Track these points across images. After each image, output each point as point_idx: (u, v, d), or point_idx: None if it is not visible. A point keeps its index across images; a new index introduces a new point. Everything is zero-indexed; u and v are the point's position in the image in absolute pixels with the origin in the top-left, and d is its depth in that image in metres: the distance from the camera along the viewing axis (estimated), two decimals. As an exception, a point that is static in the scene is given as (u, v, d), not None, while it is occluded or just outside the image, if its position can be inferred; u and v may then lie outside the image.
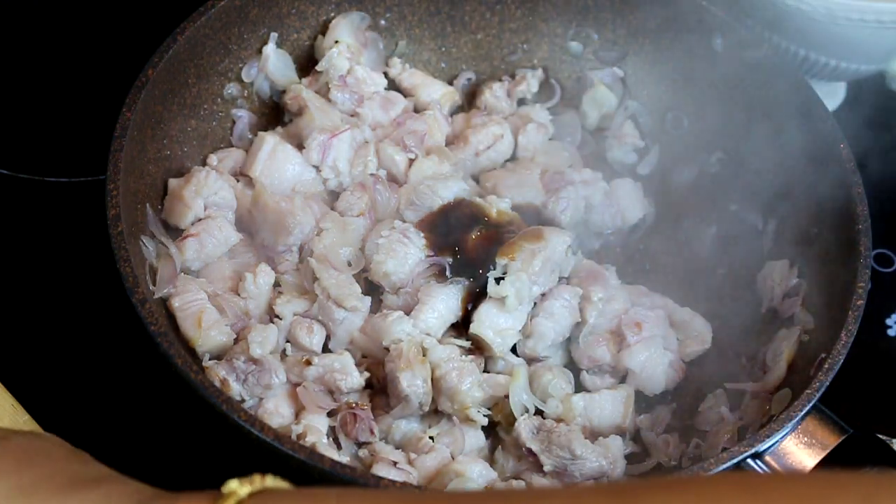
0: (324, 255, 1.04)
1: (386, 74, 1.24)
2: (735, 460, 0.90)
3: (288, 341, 1.03)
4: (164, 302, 1.01)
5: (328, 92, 1.18)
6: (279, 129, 1.17)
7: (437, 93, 1.23)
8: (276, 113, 1.20)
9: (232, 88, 1.17)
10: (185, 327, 1.00)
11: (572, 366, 1.10)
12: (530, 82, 1.27)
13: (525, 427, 1.00)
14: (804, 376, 0.98)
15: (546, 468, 0.99)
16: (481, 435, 1.03)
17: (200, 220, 1.07)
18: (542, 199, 1.15)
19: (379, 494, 0.73)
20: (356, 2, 1.22)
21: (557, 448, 0.98)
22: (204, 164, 1.13)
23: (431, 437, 1.01)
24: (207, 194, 1.08)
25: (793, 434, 0.94)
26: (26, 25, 1.36)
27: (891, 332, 1.25)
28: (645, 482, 0.74)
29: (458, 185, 1.11)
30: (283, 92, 1.18)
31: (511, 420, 1.02)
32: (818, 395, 0.94)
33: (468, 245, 1.07)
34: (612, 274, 1.14)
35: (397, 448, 1.00)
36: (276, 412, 0.99)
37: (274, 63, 1.18)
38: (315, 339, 1.02)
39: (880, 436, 0.97)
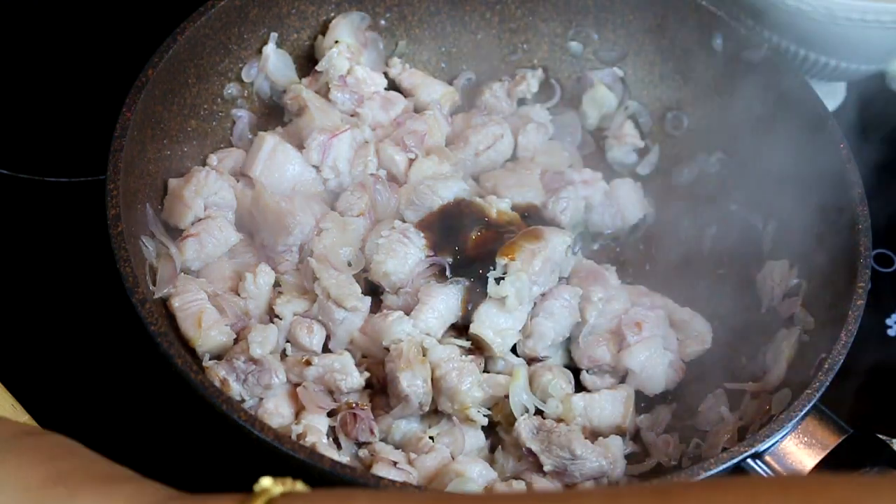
0: (324, 255, 1.04)
1: (386, 74, 1.24)
2: (735, 460, 0.90)
3: (288, 341, 1.03)
4: (164, 302, 1.01)
5: (328, 92, 1.18)
6: (279, 129, 1.17)
7: (437, 93, 1.23)
8: (276, 113, 1.20)
9: (232, 88, 1.17)
10: (185, 327, 1.00)
11: (572, 366, 1.10)
12: (530, 82, 1.27)
13: (525, 427, 1.00)
14: (804, 376, 0.97)
15: (546, 468, 0.99)
16: (481, 435, 1.03)
17: (200, 220, 1.07)
18: (542, 199, 1.15)
19: (409, 497, 0.71)
20: (356, 2, 1.22)
21: (557, 448, 0.98)
22: (204, 164, 1.13)
23: (431, 437, 1.01)
24: (207, 194, 1.08)
25: (793, 434, 0.94)
26: (26, 25, 1.37)
27: (891, 332, 1.25)
28: (684, 483, 0.74)
29: (458, 185, 1.11)
30: (283, 92, 1.18)
31: (511, 420, 1.02)
32: (818, 395, 0.94)
33: (468, 245, 1.07)
34: (612, 274, 1.14)
35: (397, 448, 1.00)
36: (276, 412, 0.99)
37: (274, 63, 1.18)
38: (315, 339, 1.02)
39: (880, 436, 0.97)
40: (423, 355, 1.00)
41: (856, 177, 1.07)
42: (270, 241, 1.07)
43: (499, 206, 1.10)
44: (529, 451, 0.99)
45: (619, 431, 1.04)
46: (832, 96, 1.40)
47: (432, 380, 1.00)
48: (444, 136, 1.20)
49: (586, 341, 1.09)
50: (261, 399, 0.99)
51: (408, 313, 1.03)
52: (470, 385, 1.00)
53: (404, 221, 1.08)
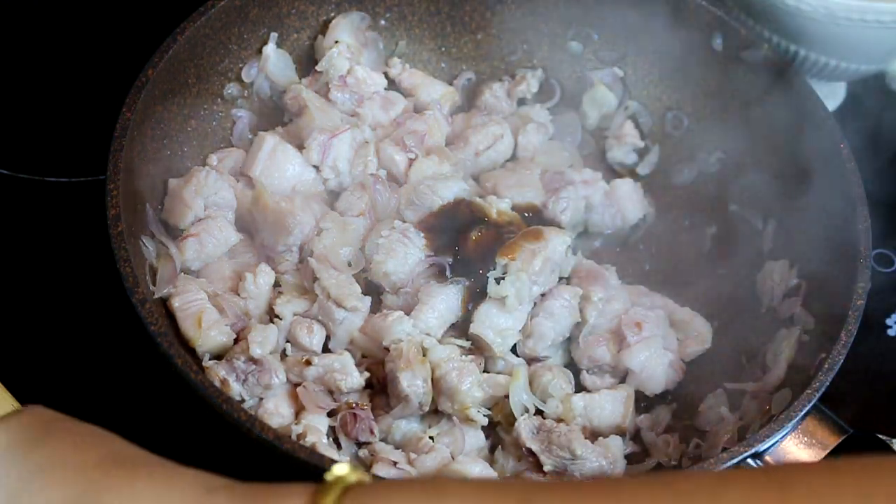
0: (324, 255, 1.04)
1: (386, 74, 1.24)
2: (735, 460, 0.90)
3: (288, 341, 1.03)
4: (164, 302, 1.01)
5: (328, 92, 1.18)
6: (279, 129, 1.17)
7: (437, 93, 1.23)
8: (276, 113, 1.20)
9: (232, 88, 1.17)
10: (185, 327, 1.00)
11: (572, 366, 1.10)
12: (530, 82, 1.27)
13: (525, 427, 1.00)
14: (804, 376, 0.97)
15: (546, 468, 0.99)
16: (481, 435, 1.03)
17: (200, 220, 1.07)
18: (542, 199, 1.15)
19: (500, 488, 0.65)
20: (356, 2, 1.22)
21: (557, 448, 0.98)
22: (204, 164, 1.13)
23: (431, 437, 1.01)
24: (207, 194, 1.08)
25: (793, 434, 0.94)
26: (26, 25, 1.36)
27: (891, 332, 1.25)
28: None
29: (458, 185, 1.11)
30: (283, 92, 1.18)
31: (511, 420, 1.02)
32: (818, 395, 0.94)
33: (468, 245, 1.07)
34: (612, 274, 1.14)
35: (397, 448, 1.00)
36: (276, 412, 0.99)
37: (274, 63, 1.18)
38: (315, 339, 1.02)
39: (880, 436, 0.97)
40: (423, 355, 1.00)
41: (856, 177, 1.07)
42: (270, 241, 1.07)
43: (499, 206, 1.10)
44: (529, 451, 0.99)
45: (619, 431, 1.04)
46: (832, 96, 1.40)
47: (432, 380, 1.00)
48: (444, 136, 1.20)
49: (586, 341, 1.09)
50: (261, 399, 0.99)
51: (408, 313, 1.03)
52: (470, 385, 1.00)
53: (404, 221, 1.08)
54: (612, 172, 1.26)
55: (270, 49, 1.17)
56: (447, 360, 1.01)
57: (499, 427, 1.04)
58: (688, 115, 1.25)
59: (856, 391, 1.13)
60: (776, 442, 0.93)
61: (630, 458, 1.04)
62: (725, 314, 1.14)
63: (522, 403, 1.02)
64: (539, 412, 1.03)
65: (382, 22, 1.25)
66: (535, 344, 1.07)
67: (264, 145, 1.12)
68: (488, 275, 1.05)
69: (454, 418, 1.01)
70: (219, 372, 0.97)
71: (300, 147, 1.13)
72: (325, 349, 1.03)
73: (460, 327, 1.06)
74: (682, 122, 1.25)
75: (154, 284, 1.00)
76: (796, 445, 0.94)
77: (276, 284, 1.06)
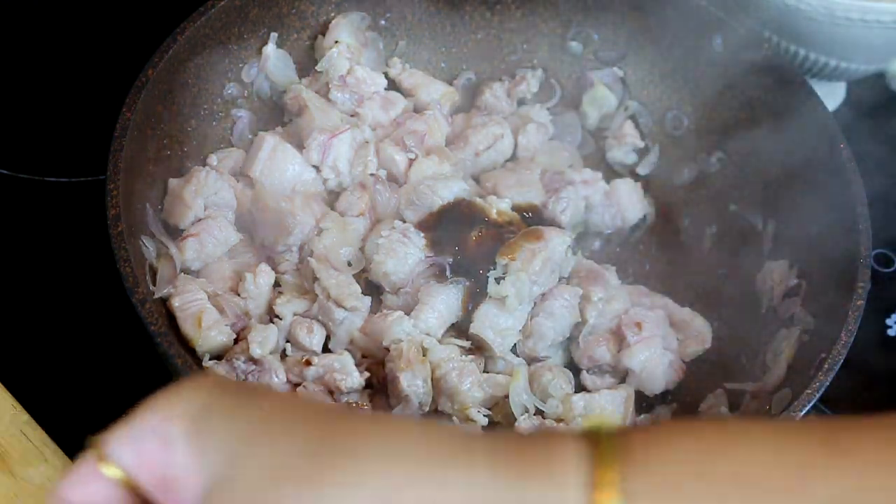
0: (324, 255, 1.04)
1: (386, 74, 1.24)
2: (735, 460, 0.90)
3: (288, 341, 1.03)
4: (164, 302, 1.01)
5: (328, 92, 1.18)
6: (279, 129, 1.17)
7: (437, 93, 1.23)
8: (276, 113, 1.20)
9: (232, 88, 1.17)
10: (185, 327, 1.00)
11: (572, 366, 1.10)
12: (530, 82, 1.27)
13: (525, 427, 1.00)
14: (804, 376, 0.97)
15: (546, 468, 0.98)
16: (481, 435, 1.03)
17: (200, 220, 1.07)
18: (542, 199, 1.15)
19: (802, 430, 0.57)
20: (356, 2, 1.22)
21: (557, 448, 0.98)
22: (204, 164, 1.13)
23: (431, 437, 1.01)
24: (207, 194, 1.08)
25: (793, 434, 0.94)
26: (26, 25, 1.37)
27: (891, 332, 1.25)
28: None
29: (458, 185, 1.11)
30: (283, 92, 1.18)
31: (511, 420, 1.02)
32: (818, 395, 0.94)
33: (468, 245, 1.07)
34: (612, 274, 1.14)
35: (397, 448, 1.00)
36: (276, 412, 0.99)
37: (274, 63, 1.18)
38: (315, 339, 1.02)
39: (880, 436, 0.97)
40: (423, 355, 1.01)
41: (856, 177, 1.07)
42: (270, 241, 1.07)
43: (499, 206, 1.10)
44: (529, 451, 0.99)
45: (619, 431, 1.04)
46: (832, 96, 1.40)
47: (432, 380, 1.00)
48: (444, 136, 1.20)
49: (586, 341, 1.09)
50: (261, 399, 0.99)
51: (408, 313, 1.03)
52: (470, 385, 1.00)
53: (404, 221, 1.08)
54: (612, 172, 1.26)
55: (270, 49, 1.17)
56: (447, 360, 1.01)
57: (499, 427, 1.04)
58: (688, 115, 1.25)
59: (856, 391, 1.13)
60: (776, 442, 0.93)
61: (630, 458, 1.04)
62: (725, 314, 1.14)
63: (522, 403, 1.02)
64: (539, 412, 1.03)
65: (382, 22, 1.25)
66: (535, 344, 1.07)
67: (264, 145, 1.12)
68: (488, 275, 1.05)
69: (454, 418, 1.01)
70: (219, 372, 0.97)
71: (300, 147, 1.13)
72: (325, 349, 1.03)
73: (460, 327, 1.06)
74: (682, 122, 1.25)
75: (154, 284, 1.00)
76: (796, 445, 0.94)
77: (276, 284, 1.06)
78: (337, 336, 1.03)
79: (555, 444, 0.53)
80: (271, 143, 1.12)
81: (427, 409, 1.00)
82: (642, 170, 1.26)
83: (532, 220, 1.12)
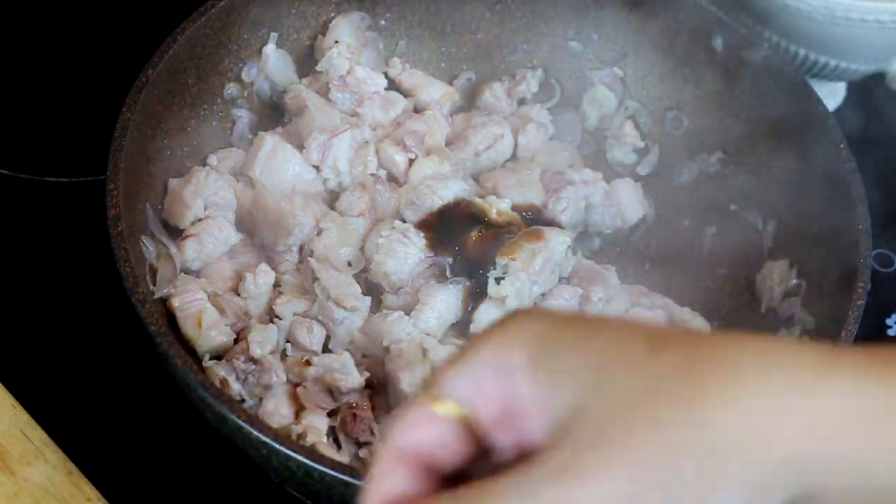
0: (324, 255, 1.04)
1: (386, 74, 1.24)
2: (735, 460, 0.90)
3: (288, 341, 1.03)
4: (164, 302, 1.01)
5: (328, 92, 1.18)
6: (279, 129, 1.17)
7: (437, 93, 1.23)
8: (276, 113, 1.20)
9: (232, 88, 1.17)
10: (185, 327, 1.00)
11: (572, 366, 1.10)
12: (530, 82, 1.26)
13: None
14: (804, 376, 0.97)
15: (546, 468, 0.98)
16: (481, 435, 1.03)
17: (200, 220, 1.07)
18: (542, 199, 1.15)
19: None
20: (356, 2, 1.22)
21: (557, 448, 0.98)
22: (204, 164, 1.13)
23: (431, 437, 1.01)
24: (207, 194, 1.08)
25: (793, 434, 0.94)
26: (26, 25, 1.36)
27: (891, 332, 1.25)
28: None
29: (458, 185, 1.11)
30: (284, 92, 1.18)
31: (511, 420, 1.02)
32: (818, 395, 0.94)
33: (468, 245, 1.07)
34: (612, 274, 1.14)
35: (397, 448, 1.00)
36: (276, 412, 0.99)
37: (274, 63, 1.18)
38: (315, 339, 1.02)
39: (880, 436, 0.97)
40: (423, 355, 1.00)
41: (856, 177, 1.07)
42: (270, 241, 1.07)
43: (499, 206, 1.10)
44: (529, 451, 0.99)
45: (619, 431, 1.04)
46: (832, 96, 1.40)
47: (432, 380, 1.00)
48: (444, 136, 1.20)
49: (586, 341, 1.09)
50: (261, 399, 0.99)
51: (408, 313, 1.03)
52: (470, 385, 1.00)
53: (404, 221, 1.08)
54: (612, 172, 1.25)
55: (270, 49, 1.17)
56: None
57: (499, 427, 1.04)
58: (688, 115, 1.25)
59: (856, 391, 1.13)
60: (776, 442, 0.93)
61: (630, 458, 1.04)
62: (725, 314, 1.14)
63: (522, 403, 1.02)
64: (539, 412, 1.03)
65: (382, 22, 1.25)
66: (535, 344, 1.07)
67: (264, 145, 1.12)
68: (488, 275, 1.05)
69: (454, 418, 1.01)
70: (219, 372, 0.97)
71: (300, 147, 1.13)
72: (325, 349, 1.03)
73: (460, 327, 1.06)
74: (682, 122, 1.25)
75: (154, 284, 1.00)
76: (796, 445, 0.94)
77: (277, 284, 1.06)
78: (337, 336, 1.03)
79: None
80: (271, 143, 1.12)
81: (427, 409, 1.00)
82: (642, 170, 1.26)
83: (532, 220, 1.12)
